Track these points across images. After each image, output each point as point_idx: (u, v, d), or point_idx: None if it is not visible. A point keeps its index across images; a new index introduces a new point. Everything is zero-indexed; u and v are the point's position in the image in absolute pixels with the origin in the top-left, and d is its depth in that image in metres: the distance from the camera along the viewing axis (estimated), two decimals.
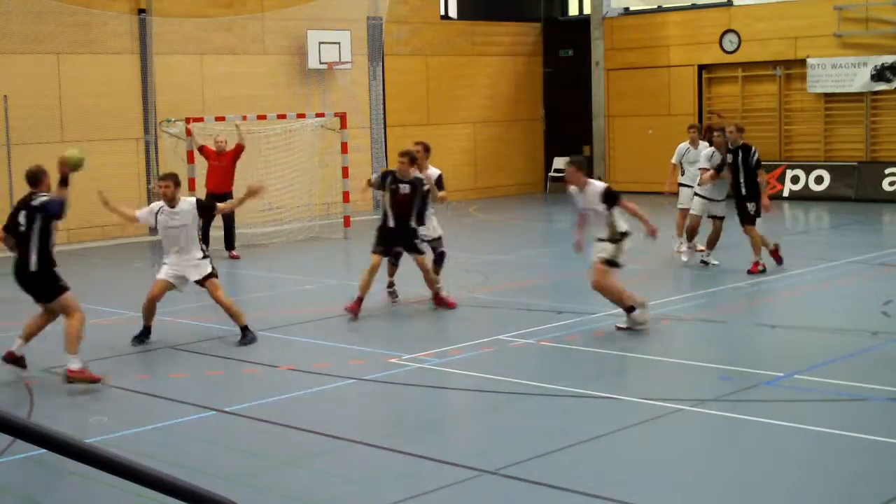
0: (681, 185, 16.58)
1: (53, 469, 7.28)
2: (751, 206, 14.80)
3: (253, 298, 14.51)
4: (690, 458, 7.58)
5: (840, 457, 7.46)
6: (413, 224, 12.95)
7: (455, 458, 7.51)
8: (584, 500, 6.67)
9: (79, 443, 3.04)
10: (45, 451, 3.04)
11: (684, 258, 15.84)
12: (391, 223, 12.95)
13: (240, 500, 3.79)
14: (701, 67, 26.91)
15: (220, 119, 19.92)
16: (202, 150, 18.57)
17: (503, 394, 9.26)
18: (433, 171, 13.70)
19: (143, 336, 11.62)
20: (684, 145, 16.59)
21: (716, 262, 15.47)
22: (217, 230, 18.35)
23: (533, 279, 15.00)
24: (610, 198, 11.34)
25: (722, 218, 15.64)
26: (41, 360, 10.96)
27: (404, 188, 12.91)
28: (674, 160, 16.71)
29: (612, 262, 11.42)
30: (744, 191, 14.90)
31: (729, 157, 14.96)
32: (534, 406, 8.99)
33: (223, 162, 18.19)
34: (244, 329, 11.48)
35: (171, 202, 11.54)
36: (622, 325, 11.39)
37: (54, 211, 9.93)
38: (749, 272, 14.54)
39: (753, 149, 15.16)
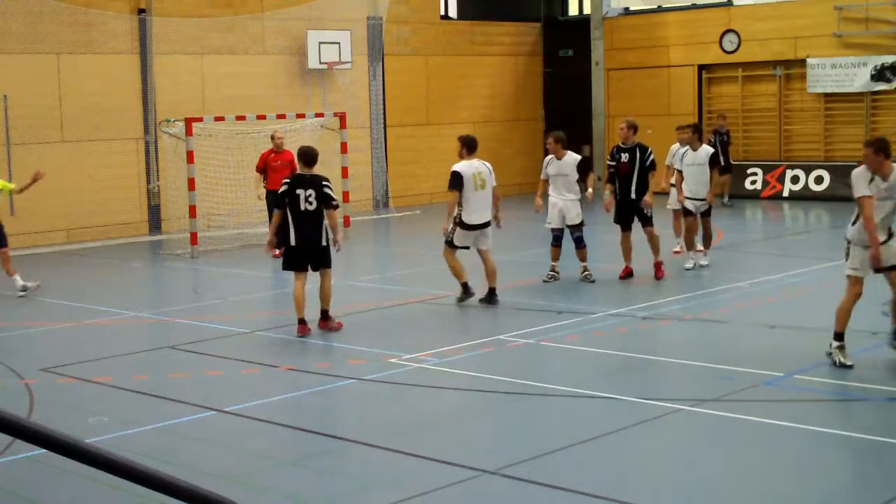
0: (672, 185, 16.34)
1: (53, 469, 7.28)
2: (647, 210, 14.56)
3: (253, 298, 14.52)
4: (690, 458, 7.58)
5: (840, 457, 7.46)
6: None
7: (455, 458, 7.51)
8: (584, 500, 6.67)
9: (79, 443, 3.04)
10: (45, 451, 3.04)
11: (688, 265, 15.38)
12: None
13: (240, 500, 3.79)
14: (701, 67, 26.91)
15: (219, 119, 19.92)
16: (262, 161, 18.03)
17: (503, 394, 9.26)
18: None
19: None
20: (675, 146, 16.42)
21: (705, 263, 15.28)
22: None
23: (533, 279, 15.00)
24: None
25: (708, 214, 15.44)
26: (41, 360, 10.97)
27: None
28: (667, 161, 16.51)
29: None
30: (633, 194, 14.57)
31: (624, 157, 14.62)
32: (534, 406, 8.99)
33: (284, 160, 17.84)
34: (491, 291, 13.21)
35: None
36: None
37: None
38: (657, 278, 14.51)
39: (649, 149, 14.89)
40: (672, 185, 16.19)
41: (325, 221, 11.78)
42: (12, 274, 14.63)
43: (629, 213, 14.77)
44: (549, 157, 14.70)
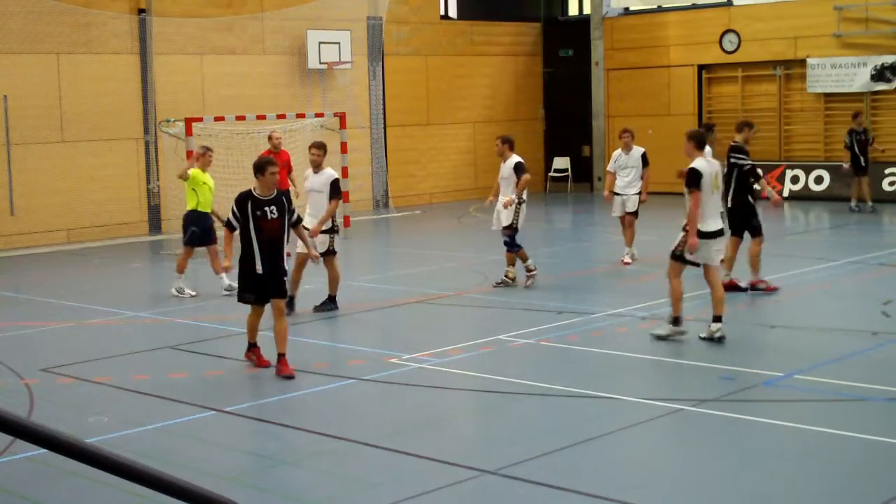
0: (615, 193, 16.28)
1: (53, 469, 7.28)
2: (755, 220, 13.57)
3: None
4: (690, 458, 7.58)
5: (840, 457, 7.46)
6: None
7: (455, 458, 7.51)
8: (584, 500, 6.67)
9: (79, 443, 3.04)
10: (45, 451, 3.04)
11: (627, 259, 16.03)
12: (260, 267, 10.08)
13: (240, 500, 3.79)
14: (701, 67, 26.91)
15: (219, 119, 19.91)
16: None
17: (503, 394, 9.26)
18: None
19: None
20: (617, 151, 16.38)
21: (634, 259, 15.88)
22: None
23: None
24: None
25: (634, 214, 16.02)
26: (41, 360, 10.97)
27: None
28: (609, 167, 16.44)
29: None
30: (751, 198, 13.60)
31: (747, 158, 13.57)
32: (534, 406, 8.99)
33: (281, 161, 16.80)
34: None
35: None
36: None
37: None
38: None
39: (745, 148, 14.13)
40: (615, 194, 16.35)
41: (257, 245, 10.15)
42: (220, 272, 14.32)
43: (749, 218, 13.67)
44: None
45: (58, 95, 20.70)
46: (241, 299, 10.28)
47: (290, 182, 18.14)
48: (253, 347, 10.47)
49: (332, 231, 12.90)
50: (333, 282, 13.04)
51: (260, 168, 10.07)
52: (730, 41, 26.24)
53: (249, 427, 8.56)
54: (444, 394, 9.48)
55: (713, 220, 10.84)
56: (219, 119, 19.90)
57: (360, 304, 13.61)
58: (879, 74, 24.01)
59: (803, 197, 24.74)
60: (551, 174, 29.27)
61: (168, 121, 20.26)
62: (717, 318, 10.83)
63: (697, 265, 10.89)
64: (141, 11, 21.82)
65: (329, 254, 12.83)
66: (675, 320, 10.92)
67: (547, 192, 29.11)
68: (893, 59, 23.82)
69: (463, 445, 8.05)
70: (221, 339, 11.86)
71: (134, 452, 7.41)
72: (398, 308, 13.40)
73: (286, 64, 23.93)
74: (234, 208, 10.04)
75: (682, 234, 10.82)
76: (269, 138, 18.03)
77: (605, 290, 14.73)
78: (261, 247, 9.92)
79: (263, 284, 10.01)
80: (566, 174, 29.10)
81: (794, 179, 25.18)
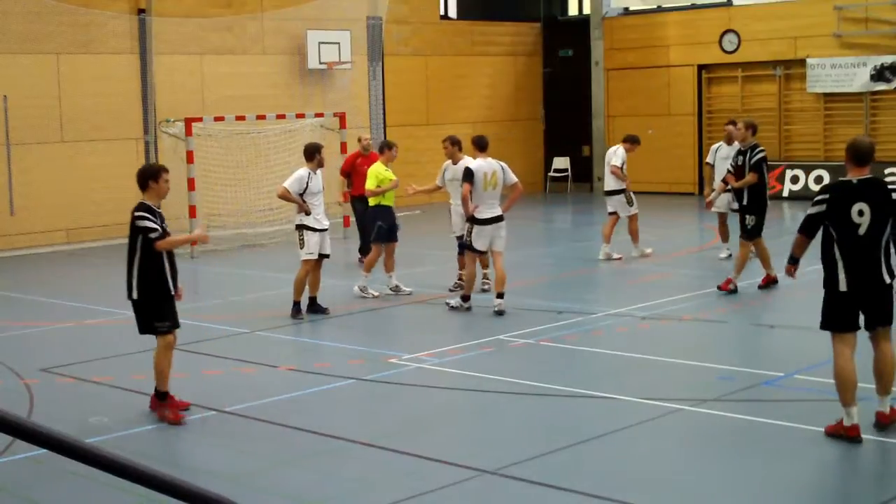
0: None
1: (53, 469, 7.28)
2: (749, 219, 13.52)
3: (253, 298, 14.51)
4: (690, 458, 7.59)
5: (840, 457, 7.46)
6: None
7: (455, 458, 7.51)
8: (584, 500, 6.67)
9: (79, 443, 3.04)
10: (45, 451, 3.04)
11: (602, 256, 16.41)
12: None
13: (240, 500, 3.79)
14: (701, 67, 26.90)
15: (219, 119, 19.91)
16: (348, 164, 17.17)
17: (503, 394, 9.26)
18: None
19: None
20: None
21: (618, 256, 16.25)
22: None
23: (533, 279, 14.99)
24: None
25: (614, 213, 16.67)
26: (41, 360, 10.97)
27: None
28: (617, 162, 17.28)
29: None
30: (745, 199, 13.62)
31: (741, 159, 13.65)
32: (534, 406, 8.99)
33: (369, 162, 15.62)
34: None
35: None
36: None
37: None
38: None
39: (758, 148, 13.86)
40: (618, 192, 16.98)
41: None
42: (390, 271, 14.07)
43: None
44: (447, 162, 13.92)
45: (57, 95, 20.69)
46: (154, 331, 8.75)
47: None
48: (167, 397, 8.78)
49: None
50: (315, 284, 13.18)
51: (154, 174, 8.76)
52: (730, 41, 26.23)
53: (249, 427, 8.56)
54: (445, 394, 9.48)
55: (489, 210, 12.76)
56: (219, 119, 19.90)
57: (360, 304, 13.60)
58: (879, 74, 24.00)
59: (803, 197, 24.67)
60: (551, 174, 29.26)
61: (168, 121, 20.25)
62: (500, 295, 12.61)
63: (484, 252, 12.85)
64: (141, 11, 21.81)
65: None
66: (465, 298, 12.76)
67: (547, 191, 29.11)
68: (893, 59, 23.81)
69: (463, 445, 8.05)
70: (221, 339, 11.86)
71: (134, 452, 7.41)
72: (398, 308, 13.40)
73: (286, 64, 23.92)
74: (149, 217, 8.57)
75: (467, 224, 12.75)
76: (359, 140, 17.27)
77: (605, 290, 14.73)
78: (170, 265, 8.76)
79: (174, 308, 8.84)
80: (566, 174, 29.10)
81: (794, 179, 25.17)
